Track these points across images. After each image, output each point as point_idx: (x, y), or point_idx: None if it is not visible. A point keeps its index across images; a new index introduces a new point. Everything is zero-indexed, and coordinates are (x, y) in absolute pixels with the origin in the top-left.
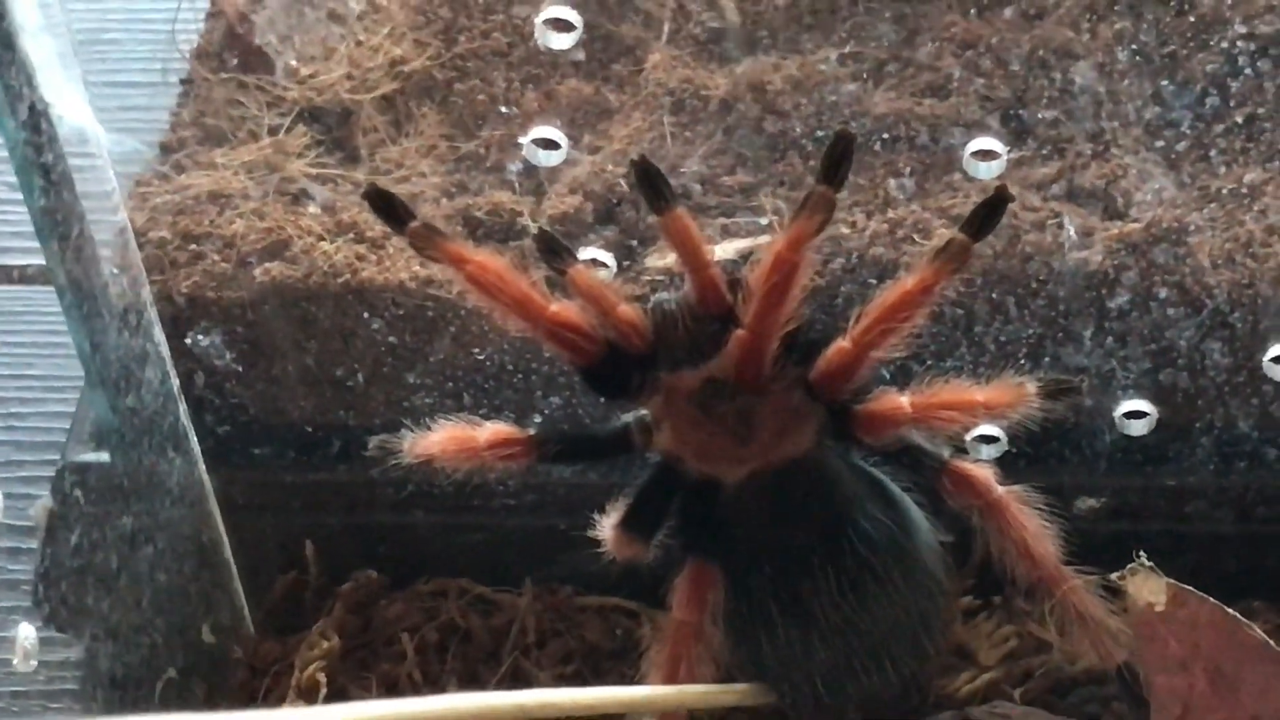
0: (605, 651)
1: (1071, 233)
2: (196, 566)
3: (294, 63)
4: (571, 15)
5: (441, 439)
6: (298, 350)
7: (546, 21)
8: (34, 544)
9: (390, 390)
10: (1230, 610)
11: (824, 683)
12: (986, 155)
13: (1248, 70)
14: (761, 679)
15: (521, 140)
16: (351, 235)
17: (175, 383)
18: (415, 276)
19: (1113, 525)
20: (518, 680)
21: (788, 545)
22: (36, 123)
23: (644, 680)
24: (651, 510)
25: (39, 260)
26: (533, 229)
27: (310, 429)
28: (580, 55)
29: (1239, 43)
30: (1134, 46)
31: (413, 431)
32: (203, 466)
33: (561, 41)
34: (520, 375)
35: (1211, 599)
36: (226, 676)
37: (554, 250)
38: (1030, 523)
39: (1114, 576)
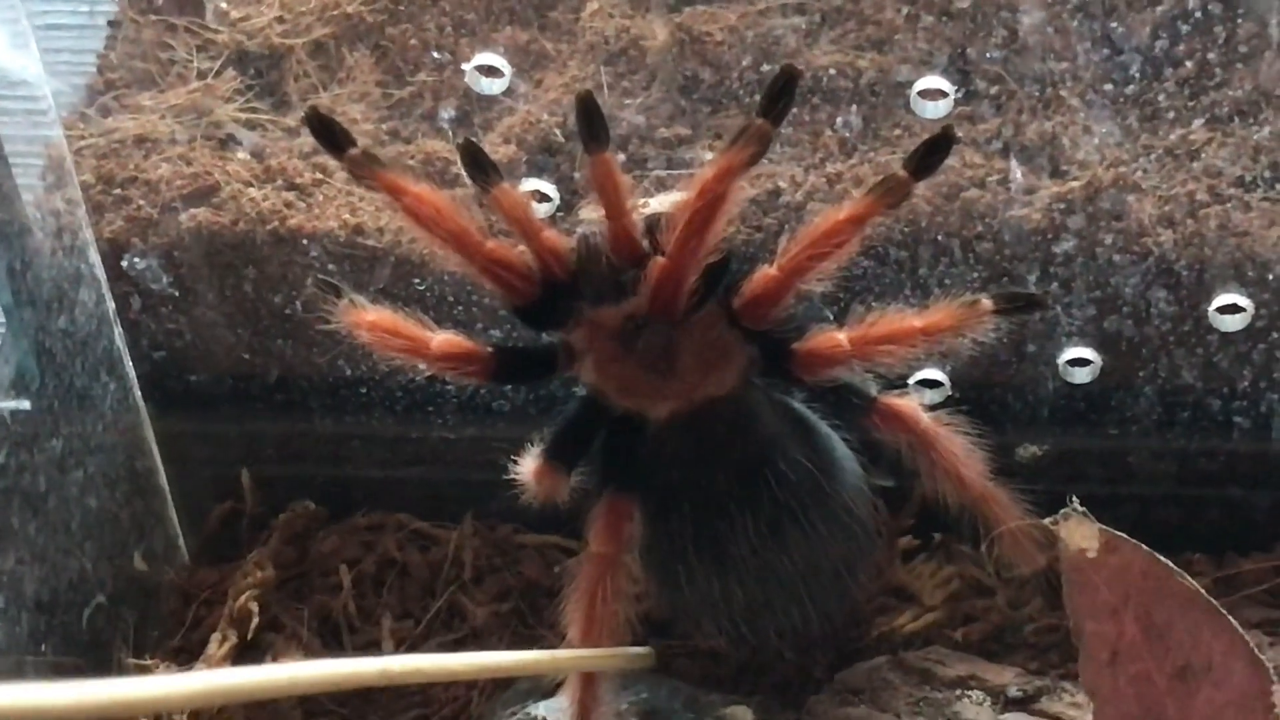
0: (543, 588)
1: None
2: (129, 493)
3: (224, 5)
4: None
5: (380, 323)
6: (221, 292)
7: None
8: None
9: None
10: (1162, 558)
11: (745, 622)
12: (934, 95)
13: (1190, 25)
14: (682, 616)
15: (465, 67)
16: (280, 182)
17: (110, 305)
18: (345, 225)
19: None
20: (454, 615)
21: (706, 485)
22: None
23: (564, 613)
24: (575, 441)
25: None
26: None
27: (247, 357)
28: None
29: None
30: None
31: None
32: (138, 392)
33: None
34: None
35: (1144, 547)
36: (157, 604)
37: (479, 165)
38: (957, 447)
39: (1047, 522)
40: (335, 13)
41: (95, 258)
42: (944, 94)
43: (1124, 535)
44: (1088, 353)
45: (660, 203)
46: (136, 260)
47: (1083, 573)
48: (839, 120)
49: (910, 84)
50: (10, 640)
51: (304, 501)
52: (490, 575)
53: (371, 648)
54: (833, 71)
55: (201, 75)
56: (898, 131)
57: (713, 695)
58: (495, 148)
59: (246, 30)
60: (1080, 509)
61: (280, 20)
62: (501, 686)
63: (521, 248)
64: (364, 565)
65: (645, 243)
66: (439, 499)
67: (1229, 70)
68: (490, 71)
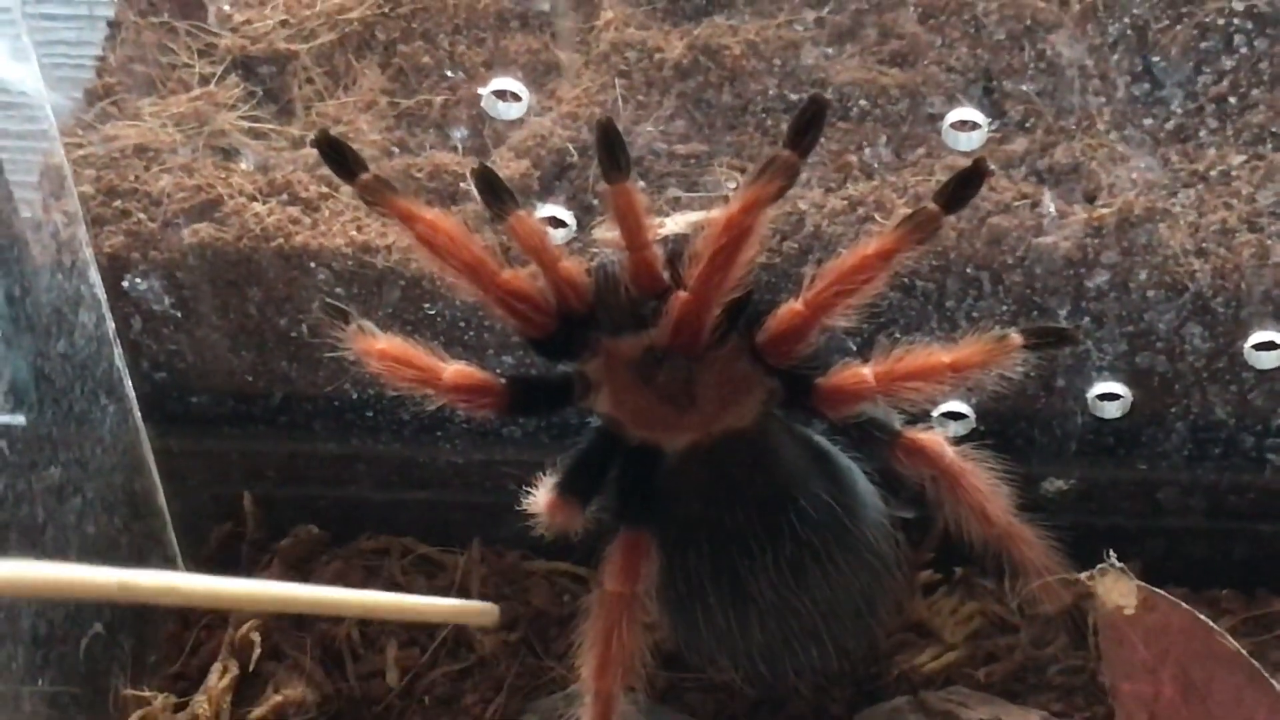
0: (552, 618)
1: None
2: (128, 517)
3: (227, 8)
4: None
5: (390, 352)
6: (224, 312)
7: None
8: None
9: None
10: (1203, 617)
11: (763, 659)
12: (966, 126)
13: (1225, 49)
14: (700, 654)
15: (481, 91)
16: (285, 196)
17: (110, 326)
18: (352, 242)
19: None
20: (460, 644)
21: (725, 520)
22: None
23: (578, 650)
24: (589, 474)
25: None
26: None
27: (250, 378)
28: (545, 4)
29: (1212, 28)
30: (1109, 22)
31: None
32: (138, 413)
33: None
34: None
35: (1184, 604)
36: (155, 630)
37: (495, 191)
38: (982, 483)
39: (1083, 576)
40: (341, 18)
41: (95, 277)
42: (977, 125)
43: (1162, 592)
44: (1118, 387)
45: (676, 223)
46: (138, 280)
47: (1119, 630)
48: (862, 141)
49: (936, 106)
50: (6, 675)
51: (307, 525)
52: (498, 603)
53: (375, 678)
54: (858, 91)
55: (204, 81)
56: (921, 153)
57: None
58: (506, 164)
59: (250, 35)
60: (1118, 564)
61: (285, 25)
62: (510, 717)
63: (531, 269)
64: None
65: (666, 274)
66: (445, 523)
67: (1265, 97)
68: (508, 96)
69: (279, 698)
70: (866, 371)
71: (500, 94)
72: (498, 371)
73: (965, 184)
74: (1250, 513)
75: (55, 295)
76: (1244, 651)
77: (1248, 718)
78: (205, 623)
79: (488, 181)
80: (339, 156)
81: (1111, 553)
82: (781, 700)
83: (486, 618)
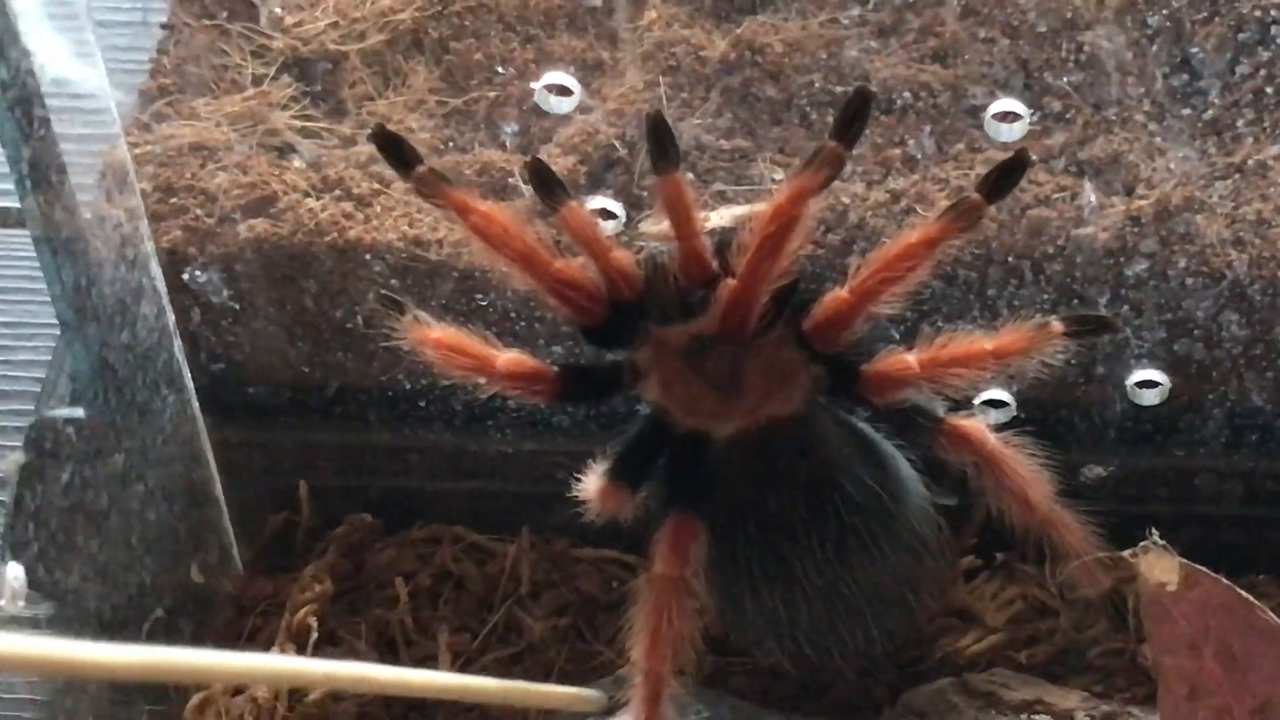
0: (601, 604)
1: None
2: (186, 505)
3: (279, 10)
4: None
5: (445, 341)
6: (280, 305)
7: None
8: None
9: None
10: (1244, 593)
11: (808, 641)
12: (1008, 117)
13: (1261, 42)
14: (744, 634)
15: (534, 85)
16: (338, 192)
17: (170, 318)
18: (404, 236)
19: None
20: (510, 629)
21: (772, 505)
22: (17, 68)
23: (629, 633)
24: (639, 461)
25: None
26: (525, 158)
27: (306, 370)
28: (593, 3)
29: (1250, 21)
30: (1145, 21)
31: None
32: (196, 404)
33: None
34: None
35: (1224, 580)
36: (213, 616)
37: (546, 183)
38: (1024, 468)
39: (1126, 554)
40: (390, 19)
41: (156, 270)
42: (1018, 117)
43: (1204, 569)
44: (1157, 374)
45: (721, 217)
46: (197, 273)
47: (1162, 606)
48: (904, 136)
49: (977, 101)
50: None
51: (360, 514)
52: (547, 590)
53: (428, 661)
54: (897, 86)
55: (256, 81)
56: (962, 148)
57: (773, 714)
58: (554, 159)
59: (301, 36)
60: (1160, 542)
61: (335, 26)
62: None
63: (587, 265)
64: (420, 578)
65: (714, 263)
66: (496, 512)
67: None
68: (560, 90)
69: None
70: (911, 358)
71: (552, 88)
72: (549, 360)
73: (1007, 174)
74: None
75: (119, 287)
76: None
77: None
78: (262, 609)
79: (540, 173)
80: (396, 150)
81: (1154, 531)
82: (827, 683)
83: (589, 704)
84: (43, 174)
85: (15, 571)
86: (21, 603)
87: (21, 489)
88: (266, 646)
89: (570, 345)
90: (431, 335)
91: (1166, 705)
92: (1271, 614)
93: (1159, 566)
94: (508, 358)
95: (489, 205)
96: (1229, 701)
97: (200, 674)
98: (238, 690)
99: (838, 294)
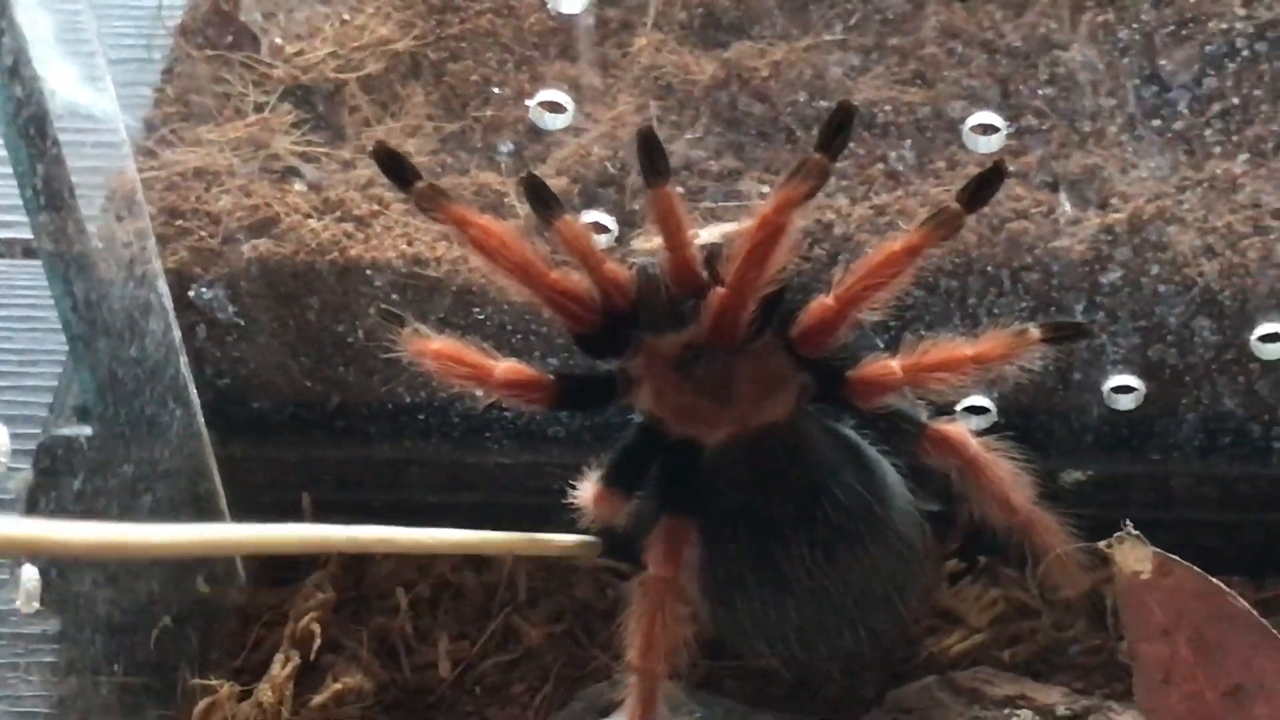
0: (597, 610)
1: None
2: (192, 517)
3: (279, 40)
4: None
5: (444, 351)
6: (283, 322)
7: None
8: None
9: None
10: (1214, 580)
11: (798, 642)
12: (986, 130)
13: (1228, 62)
14: (735, 636)
15: (528, 103)
16: (339, 213)
17: (177, 334)
18: (403, 254)
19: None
20: (508, 636)
21: (762, 509)
22: (29, 91)
23: (623, 635)
24: (633, 467)
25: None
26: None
27: (308, 385)
28: (590, 20)
29: (1218, 36)
30: (1117, 38)
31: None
32: (201, 419)
33: (573, 5)
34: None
35: (1196, 568)
36: (219, 626)
37: (542, 198)
38: (1005, 472)
39: (1101, 545)
40: (387, 49)
41: (163, 288)
42: (995, 129)
43: (1176, 558)
44: (1132, 380)
45: (710, 233)
46: (203, 290)
47: (1136, 595)
48: (886, 153)
49: (956, 119)
50: (86, 660)
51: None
52: (544, 597)
53: (429, 668)
54: (882, 106)
55: (258, 109)
56: (941, 164)
57: (765, 714)
58: (549, 180)
59: (301, 65)
60: (1135, 532)
61: (334, 55)
62: (558, 706)
63: (581, 276)
64: (420, 588)
65: (704, 273)
66: (494, 522)
67: (1271, 105)
68: (553, 107)
69: (338, 686)
70: (894, 364)
71: (546, 105)
72: (545, 370)
73: (985, 184)
74: (1260, 502)
75: (128, 304)
76: (1254, 611)
77: (1258, 674)
78: (265, 619)
79: (535, 189)
80: (396, 167)
81: (1128, 522)
82: (817, 683)
83: (590, 551)
84: (54, 194)
85: (30, 574)
86: (36, 604)
87: (36, 494)
88: (270, 655)
89: (565, 357)
90: (431, 346)
91: (1142, 691)
92: (1242, 600)
93: (1134, 556)
94: (505, 366)
95: (487, 219)
96: (1202, 686)
97: (226, 547)
98: (244, 695)
99: (823, 301)
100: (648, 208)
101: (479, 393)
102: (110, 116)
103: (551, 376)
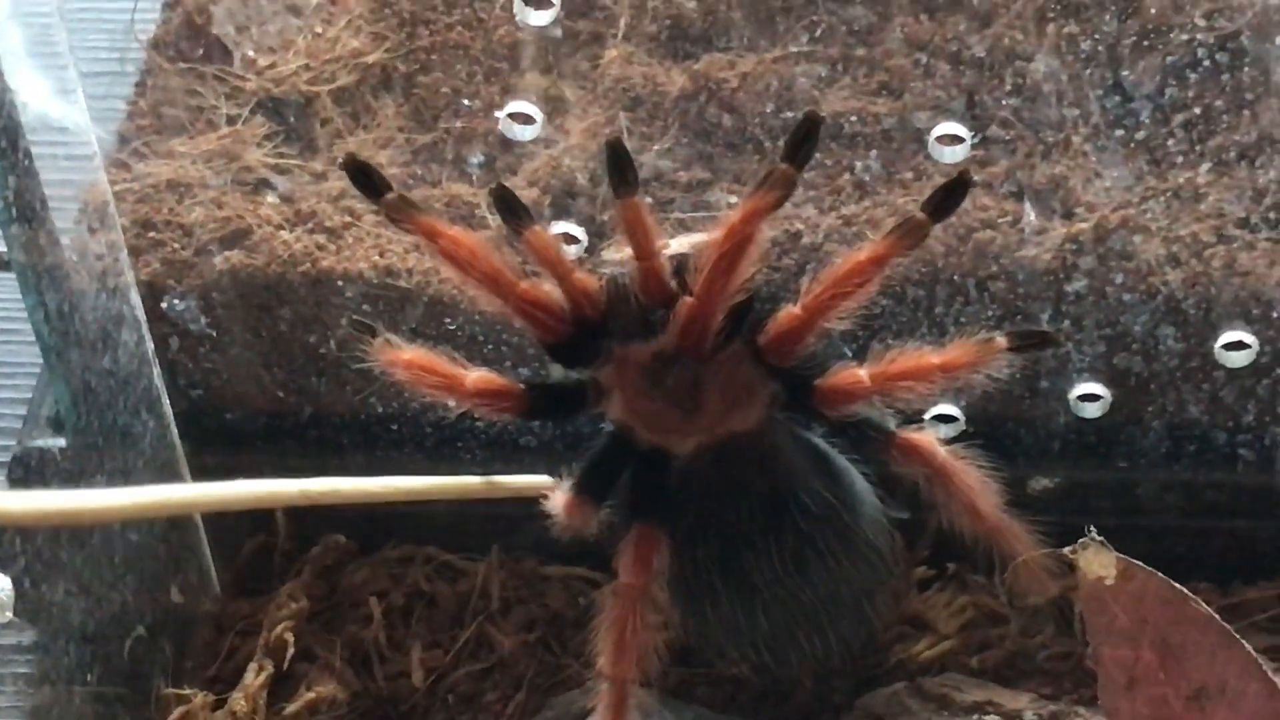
0: (568, 619)
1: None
2: (166, 528)
3: (251, 54)
4: None
5: (415, 361)
6: (255, 333)
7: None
8: None
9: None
10: (1176, 584)
11: (768, 649)
12: (951, 140)
13: (1190, 73)
14: (706, 643)
15: (498, 115)
16: (311, 225)
17: (150, 346)
18: (375, 266)
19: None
20: (481, 644)
21: (732, 517)
22: (1, 103)
23: (594, 642)
24: (604, 476)
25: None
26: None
27: (281, 395)
28: (559, 33)
29: (1180, 47)
30: (1081, 49)
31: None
32: (175, 429)
33: (540, 18)
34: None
35: (1159, 574)
36: (193, 635)
37: (512, 209)
38: (973, 480)
39: (1066, 551)
40: (358, 61)
41: (136, 300)
42: (960, 139)
43: (1139, 563)
44: (1098, 388)
45: (680, 244)
46: (175, 302)
47: (1100, 599)
48: (854, 164)
49: (923, 130)
50: (61, 670)
51: (335, 535)
52: (517, 606)
53: (402, 677)
54: (850, 117)
55: (230, 121)
56: (910, 174)
57: None
58: (519, 191)
59: (273, 78)
60: (1098, 538)
61: (306, 68)
62: (530, 714)
63: (552, 286)
64: (393, 597)
65: (673, 283)
66: (466, 532)
67: (1233, 115)
68: (523, 119)
69: (312, 695)
70: (862, 373)
71: (516, 116)
72: (517, 379)
73: (950, 194)
74: (1225, 508)
75: (100, 315)
76: (1215, 615)
77: (1220, 676)
78: (239, 629)
79: (505, 200)
80: (366, 178)
81: (1092, 528)
82: (786, 690)
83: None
84: (26, 206)
85: (4, 583)
86: (9, 613)
87: None
88: (244, 665)
89: (536, 367)
90: (403, 356)
91: (1106, 694)
92: (1204, 604)
93: (1097, 561)
94: (477, 375)
95: (457, 230)
96: (1165, 689)
97: (181, 505)
98: (218, 704)
99: (791, 310)
100: (617, 218)
101: (450, 402)
102: (83, 129)
103: (522, 386)
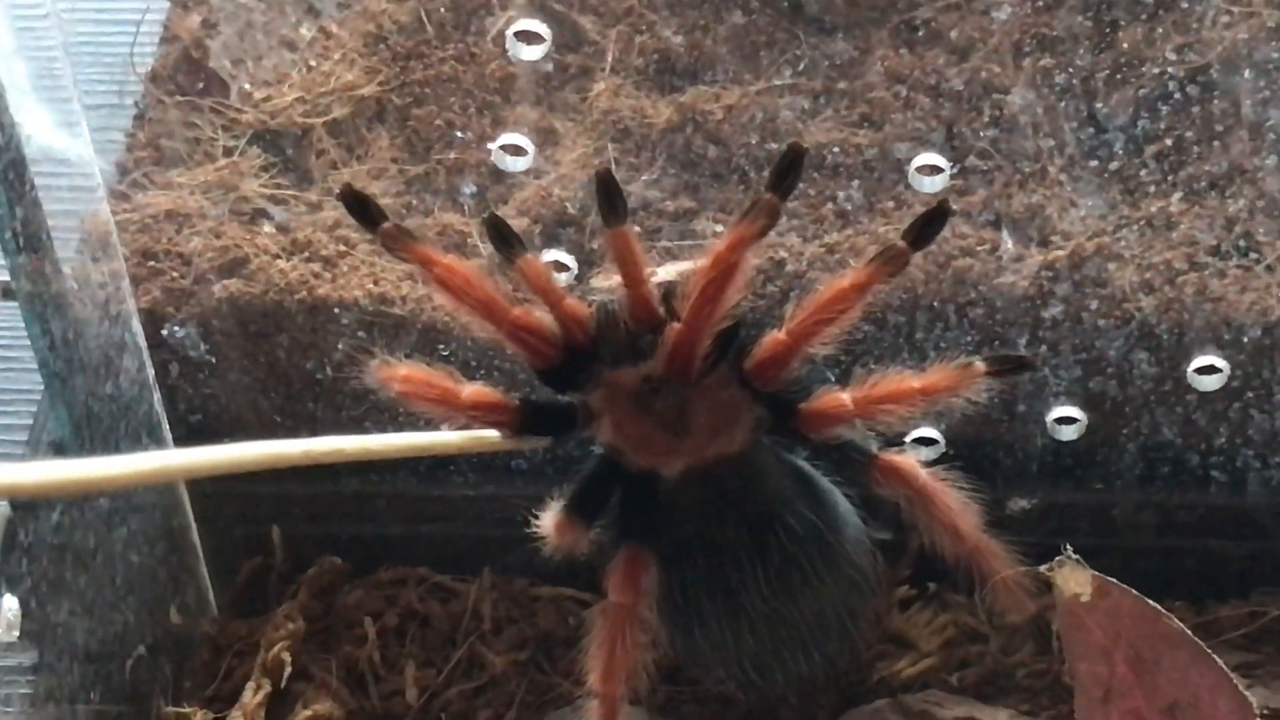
0: (559, 638)
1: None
2: (166, 550)
3: (247, 87)
4: (541, 28)
5: (411, 377)
6: (253, 359)
7: (517, 34)
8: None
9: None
10: (1150, 601)
11: (754, 667)
12: (930, 170)
13: (1162, 105)
14: (693, 662)
15: (490, 146)
16: (307, 254)
17: (150, 372)
18: (369, 294)
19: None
20: (473, 664)
21: (718, 538)
22: (6, 136)
23: (584, 661)
24: (593, 497)
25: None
26: (483, 215)
27: (278, 420)
28: (549, 67)
29: (1152, 80)
30: (1056, 82)
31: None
32: None
33: (532, 53)
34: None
35: (1134, 591)
36: (192, 655)
37: (504, 238)
38: (953, 501)
39: (1042, 569)
40: (353, 94)
41: (137, 327)
42: (940, 170)
43: (1114, 580)
44: (1075, 411)
45: (667, 271)
46: (175, 329)
47: (1076, 616)
48: (836, 194)
49: (903, 160)
50: (64, 689)
51: (330, 558)
52: (508, 626)
53: (396, 696)
54: (832, 148)
55: (227, 153)
56: (890, 204)
57: None
58: (510, 220)
59: (269, 110)
60: (1074, 556)
61: (301, 101)
62: None
63: (543, 313)
64: (387, 618)
65: (661, 309)
66: (459, 554)
67: (1204, 146)
68: (514, 150)
69: (308, 713)
70: (845, 396)
71: (508, 148)
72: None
73: (930, 223)
74: (1199, 528)
75: (102, 342)
76: (1188, 631)
77: (1193, 690)
78: (237, 649)
79: (497, 228)
80: (362, 208)
81: (1068, 546)
82: (772, 707)
83: (494, 443)
84: (31, 236)
85: (10, 603)
86: (16, 633)
87: (14, 527)
88: (242, 684)
89: (527, 393)
90: (399, 372)
91: (1083, 708)
92: (1177, 620)
93: (1073, 579)
94: (472, 389)
95: (451, 258)
96: (1140, 703)
97: (182, 471)
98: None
99: (775, 336)
100: (606, 247)
101: (446, 417)
102: (85, 161)
103: (516, 401)
